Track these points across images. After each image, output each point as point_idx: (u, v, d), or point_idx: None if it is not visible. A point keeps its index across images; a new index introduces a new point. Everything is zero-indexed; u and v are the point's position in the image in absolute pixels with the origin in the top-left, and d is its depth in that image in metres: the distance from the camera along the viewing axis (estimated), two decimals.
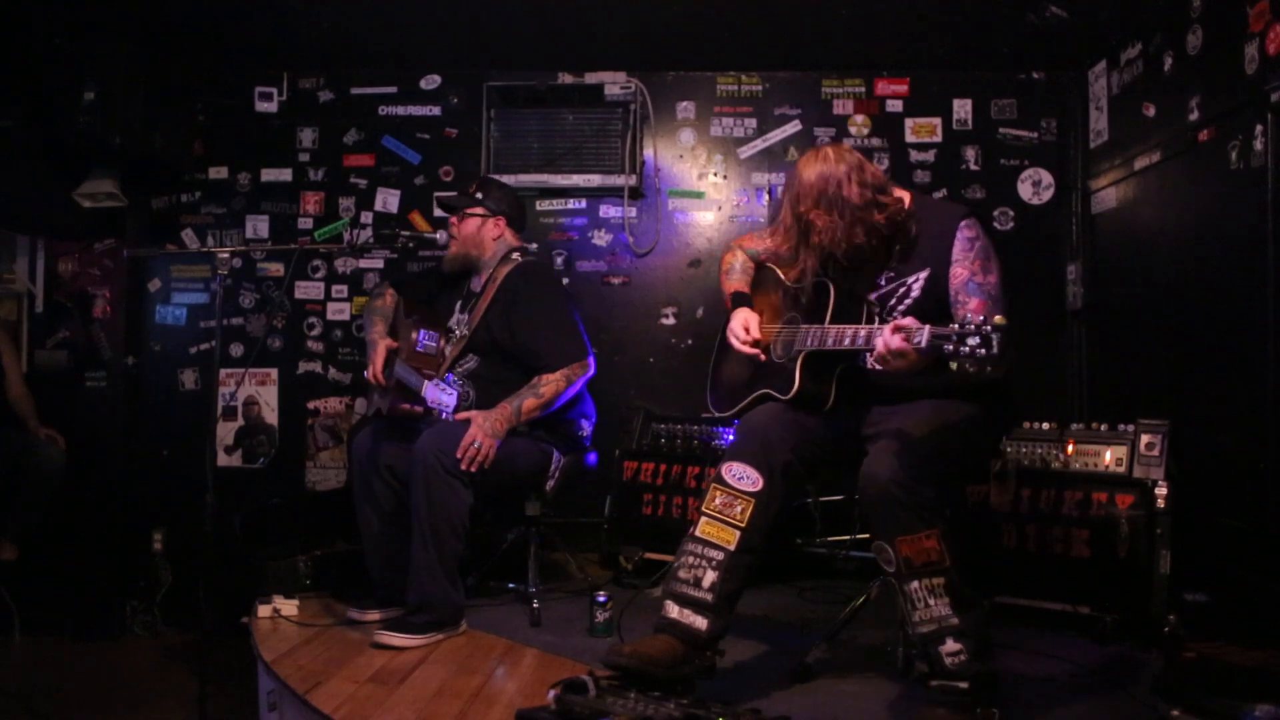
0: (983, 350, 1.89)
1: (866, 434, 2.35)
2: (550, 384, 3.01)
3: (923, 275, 2.38)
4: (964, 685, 2.10)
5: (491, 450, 2.86)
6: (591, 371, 3.12)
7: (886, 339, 2.06)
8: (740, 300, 2.69)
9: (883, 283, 2.44)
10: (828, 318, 2.37)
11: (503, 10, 3.74)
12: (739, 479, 2.30)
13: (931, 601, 2.12)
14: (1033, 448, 3.18)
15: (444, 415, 2.74)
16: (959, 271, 2.33)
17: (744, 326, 2.59)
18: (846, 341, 2.27)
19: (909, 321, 2.05)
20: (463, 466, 2.81)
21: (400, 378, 3.02)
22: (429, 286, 3.46)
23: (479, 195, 3.29)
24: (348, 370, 4.42)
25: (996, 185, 4.27)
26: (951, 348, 1.92)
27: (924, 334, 1.99)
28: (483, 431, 2.83)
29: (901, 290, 2.40)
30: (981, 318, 1.92)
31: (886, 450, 2.18)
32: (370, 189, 4.46)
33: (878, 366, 2.42)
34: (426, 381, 2.77)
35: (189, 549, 4.31)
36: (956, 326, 1.93)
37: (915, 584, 2.13)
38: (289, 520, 3.63)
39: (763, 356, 2.55)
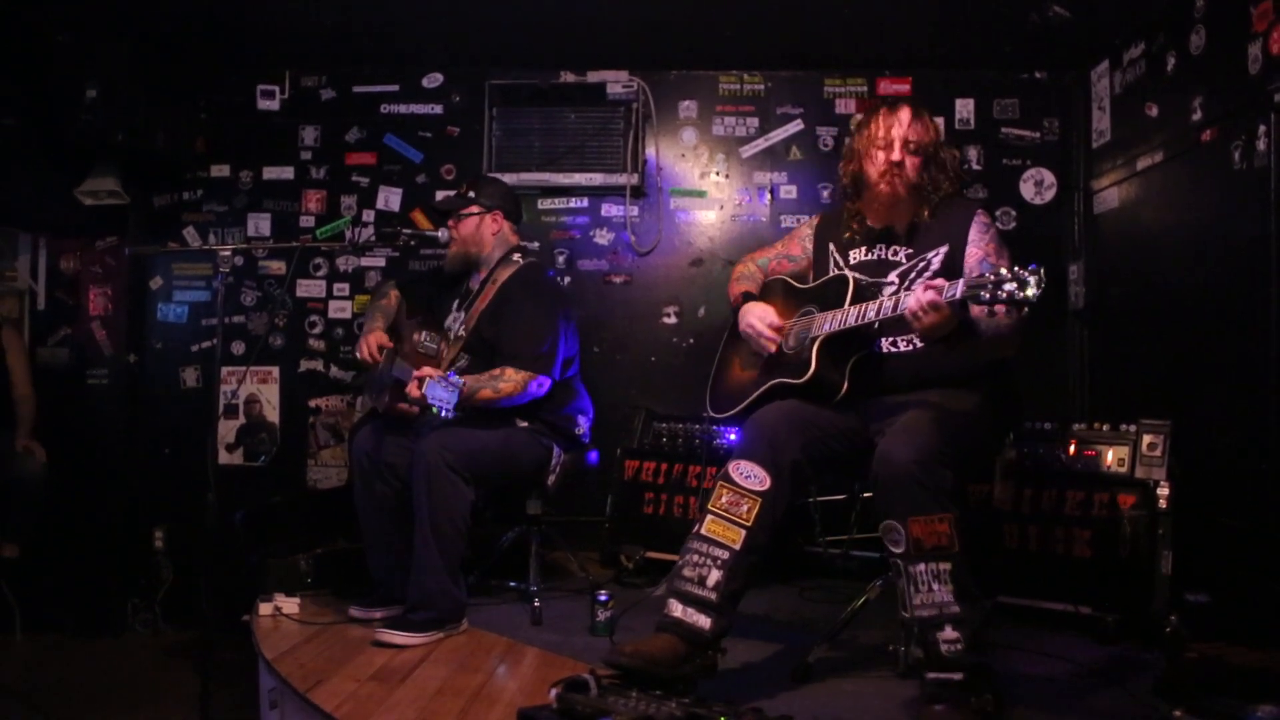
0: (1021, 293, 1.93)
1: (877, 426, 2.36)
2: (511, 382, 2.97)
3: (942, 250, 2.47)
4: (958, 677, 2.10)
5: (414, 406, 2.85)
6: (544, 391, 3.06)
7: (919, 294, 2.12)
8: (749, 298, 2.70)
9: (903, 260, 2.52)
10: (847, 302, 2.40)
11: (505, 8, 3.74)
12: (746, 477, 2.30)
13: (935, 586, 2.12)
14: (1035, 447, 3.18)
15: (443, 413, 2.69)
16: (974, 251, 2.44)
17: (764, 311, 2.62)
18: (871, 314, 2.31)
19: (940, 280, 2.12)
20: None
21: (398, 377, 3.02)
22: (431, 288, 3.46)
23: (472, 194, 3.29)
24: (349, 368, 4.42)
25: (999, 185, 4.26)
26: (988, 294, 1.97)
27: (958, 286, 2.05)
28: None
29: (922, 265, 2.49)
30: (1016, 266, 1.96)
31: (904, 431, 2.20)
32: (372, 187, 4.46)
33: (893, 348, 2.45)
34: (428, 379, 2.72)
35: (190, 547, 4.31)
36: (991, 275, 1.97)
37: (921, 567, 2.13)
38: (290, 518, 3.63)
39: (774, 349, 2.56)
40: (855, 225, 2.63)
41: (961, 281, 2.06)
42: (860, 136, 2.58)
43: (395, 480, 3.03)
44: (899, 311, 2.20)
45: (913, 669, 2.24)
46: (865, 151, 2.55)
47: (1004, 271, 1.96)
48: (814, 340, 2.43)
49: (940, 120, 4.12)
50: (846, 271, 2.53)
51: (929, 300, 2.09)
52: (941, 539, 2.11)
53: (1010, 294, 1.94)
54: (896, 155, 2.49)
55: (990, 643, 2.23)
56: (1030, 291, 1.93)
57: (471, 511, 2.89)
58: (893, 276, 2.51)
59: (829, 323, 2.41)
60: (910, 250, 2.52)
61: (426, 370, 2.79)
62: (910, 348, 2.43)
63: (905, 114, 2.51)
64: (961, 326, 2.15)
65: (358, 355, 3.25)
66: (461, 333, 3.18)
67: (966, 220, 2.48)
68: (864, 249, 2.60)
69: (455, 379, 2.70)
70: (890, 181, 2.49)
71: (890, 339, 2.47)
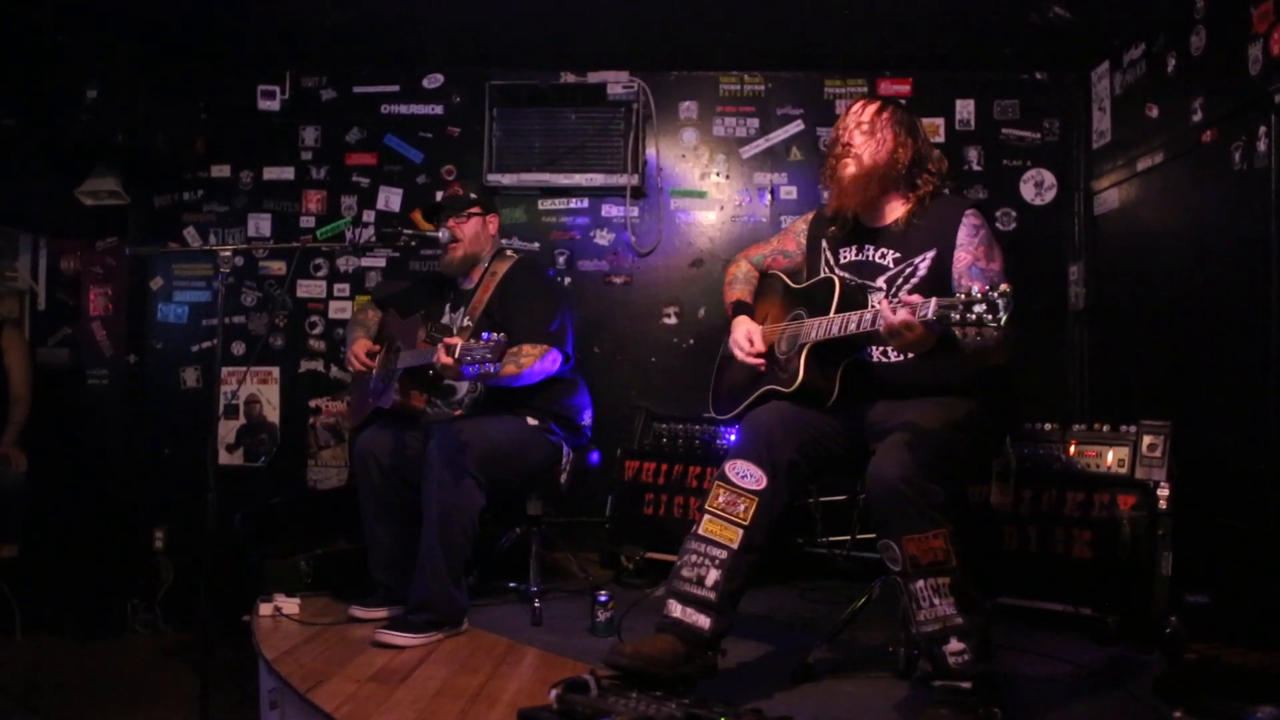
0: (990, 316, 1.91)
1: (872, 432, 2.36)
2: (529, 356, 2.97)
3: (929, 255, 2.44)
4: (967, 685, 2.10)
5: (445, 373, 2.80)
6: (559, 366, 3.10)
7: (891, 314, 2.09)
8: (741, 309, 2.70)
9: (890, 265, 2.48)
10: (833, 309, 2.39)
11: (505, 9, 3.74)
12: (742, 477, 2.30)
13: (936, 601, 2.12)
14: (1035, 448, 3.17)
15: (490, 369, 2.58)
16: (962, 256, 2.40)
17: (747, 338, 2.59)
18: (853, 326, 2.29)
19: (914, 297, 2.09)
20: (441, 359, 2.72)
21: (407, 367, 3.03)
22: (413, 297, 3.47)
23: (474, 195, 3.31)
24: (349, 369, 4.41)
25: (999, 186, 4.26)
26: (958, 315, 1.95)
27: (930, 305, 2.02)
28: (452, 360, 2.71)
29: (909, 270, 2.46)
30: (987, 287, 1.94)
31: (894, 448, 2.18)
32: (372, 187, 4.46)
33: (884, 358, 2.44)
34: (459, 345, 2.66)
35: (190, 547, 4.31)
36: (963, 295, 1.95)
37: (921, 583, 2.13)
38: (290, 519, 3.63)
39: (764, 367, 2.56)
40: (844, 219, 2.61)
41: (933, 302, 2.02)
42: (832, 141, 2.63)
43: (397, 481, 3.03)
44: (875, 327, 2.20)
45: (922, 681, 2.24)
46: (831, 151, 2.59)
47: (975, 293, 1.94)
48: (802, 347, 2.42)
49: (937, 119, 4.22)
50: (834, 274, 2.52)
51: (902, 320, 2.07)
52: (938, 554, 2.11)
53: (979, 315, 1.92)
54: (846, 138, 2.53)
55: (994, 644, 2.23)
56: (1000, 314, 1.91)
57: (479, 516, 2.90)
58: (880, 281, 2.49)
59: (815, 330, 2.41)
60: (898, 254, 2.49)
61: (455, 339, 2.74)
62: (901, 357, 2.42)
63: (855, 106, 2.57)
64: (943, 341, 2.14)
65: (350, 368, 3.28)
66: (466, 323, 3.19)
67: (955, 221, 2.43)
68: (854, 249, 2.58)
69: (490, 336, 2.61)
70: (841, 168, 2.52)
71: (880, 348, 2.46)
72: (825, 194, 2.66)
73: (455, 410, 3.18)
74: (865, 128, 2.50)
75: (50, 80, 3.83)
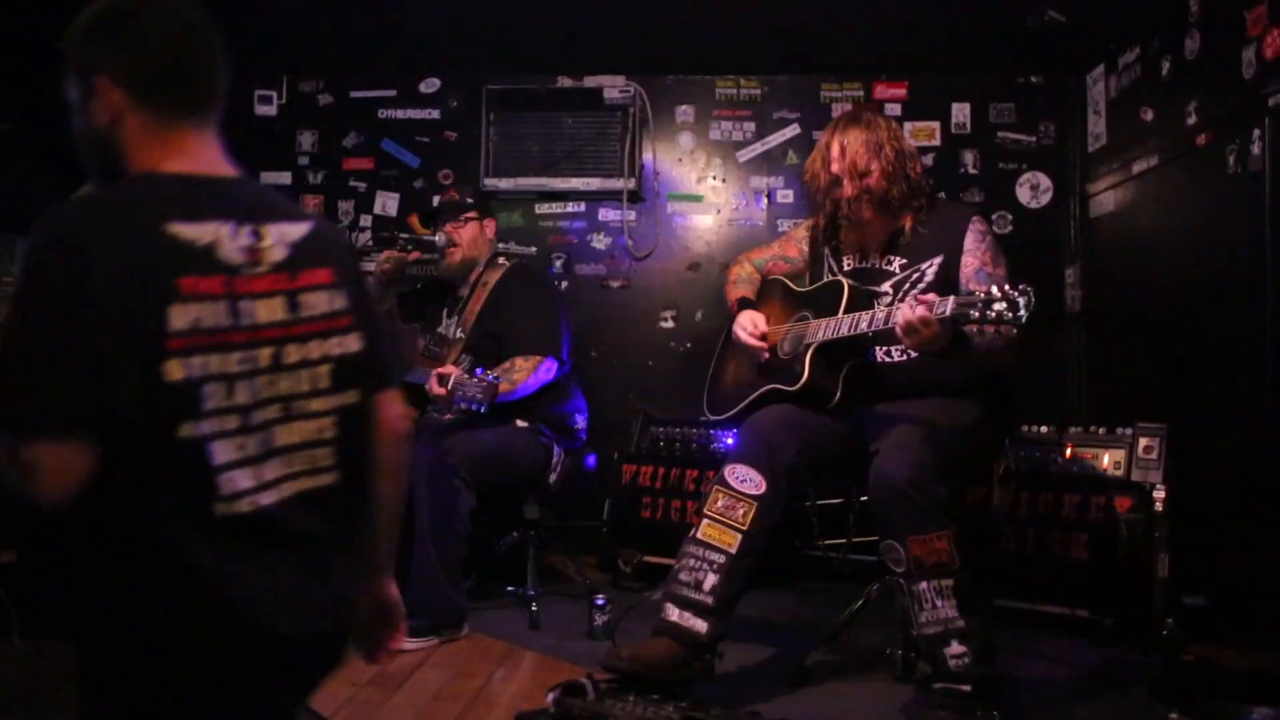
0: (1010, 313, 1.93)
1: (872, 433, 2.36)
2: (522, 370, 2.99)
3: (936, 261, 2.46)
4: (967, 688, 2.10)
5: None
6: (556, 372, 3.10)
7: (909, 311, 2.09)
8: (745, 304, 2.71)
9: (896, 270, 2.49)
10: (841, 309, 2.39)
11: (502, 14, 3.75)
12: (742, 481, 2.30)
13: (939, 603, 2.12)
14: (1031, 450, 3.18)
15: (480, 409, 2.65)
16: (970, 261, 2.42)
17: (751, 321, 2.60)
18: (864, 325, 2.30)
19: (931, 295, 2.10)
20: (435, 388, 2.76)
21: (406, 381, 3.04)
22: (417, 300, 3.49)
23: (470, 200, 3.33)
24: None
25: (995, 189, 4.27)
26: (977, 314, 1.96)
27: (949, 303, 2.04)
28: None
29: (916, 275, 2.48)
30: (1007, 286, 1.94)
31: (898, 448, 2.19)
32: (369, 192, 4.46)
33: (887, 358, 2.45)
34: (452, 376, 2.70)
35: None
36: (982, 294, 1.96)
37: (924, 585, 2.13)
38: None
39: (766, 356, 2.57)
40: (844, 232, 2.62)
41: (951, 299, 2.04)
42: (811, 170, 2.58)
43: None
44: (890, 325, 2.20)
45: (922, 683, 2.24)
46: (820, 185, 2.55)
47: (994, 291, 1.95)
48: (808, 347, 2.43)
49: (926, 122, 4.23)
50: (841, 277, 2.53)
51: (919, 317, 2.08)
52: (941, 555, 2.11)
53: (999, 314, 1.93)
54: (849, 191, 2.47)
55: (997, 647, 2.23)
56: (1020, 313, 1.92)
57: (471, 516, 2.90)
58: (887, 286, 2.50)
59: (823, 330, 2.41)
60: (904, 260, 2.50)
61: (449, 368, 2.77)
62: (905, 357, 2.43)
63: (835, 148, 2.49)
64: (955, 340, 2.15)
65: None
66: (460, 334, 3.20)
67: (961, 228, 2.46)
68: (857, 255, 2.60)
69: (484, 373, 2.66)
70: (854, 212, 2.49)
71: (884, 348, 2.47)
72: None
73: (445, 415, 3.18)
74: (864, 158, 2.45)
75: (49, 85, 3.82)
